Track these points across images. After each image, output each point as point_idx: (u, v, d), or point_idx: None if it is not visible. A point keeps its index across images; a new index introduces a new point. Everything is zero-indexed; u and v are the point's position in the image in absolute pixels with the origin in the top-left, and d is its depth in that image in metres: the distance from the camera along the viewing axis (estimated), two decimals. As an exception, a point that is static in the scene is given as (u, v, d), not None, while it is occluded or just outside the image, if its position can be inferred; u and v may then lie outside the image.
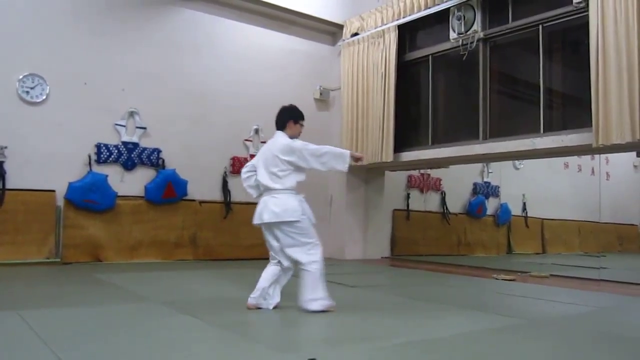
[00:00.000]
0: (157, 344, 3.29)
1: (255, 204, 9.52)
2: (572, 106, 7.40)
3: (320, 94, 9.98)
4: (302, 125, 4.64)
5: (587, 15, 6.37)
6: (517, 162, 12.86)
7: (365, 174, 9.97)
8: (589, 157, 13.76)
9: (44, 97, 7.40)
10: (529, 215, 13.61)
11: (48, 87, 7.42)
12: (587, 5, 6.37)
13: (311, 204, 10.41)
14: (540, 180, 13.41)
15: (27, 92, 7.29)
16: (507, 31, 7.64)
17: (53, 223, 7.35)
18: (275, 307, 4.32)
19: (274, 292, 4.34)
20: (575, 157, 13.08)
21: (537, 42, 7.21)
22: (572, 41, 7.34)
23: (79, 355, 2.92)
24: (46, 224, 7.29)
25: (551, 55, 7.33)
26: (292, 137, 4.49)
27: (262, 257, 8.37)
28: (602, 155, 11.18)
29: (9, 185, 7.08)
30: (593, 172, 15.09)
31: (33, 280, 6.01)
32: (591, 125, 6.27)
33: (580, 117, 6.77)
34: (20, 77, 7.24)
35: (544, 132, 7.08)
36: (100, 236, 7.65)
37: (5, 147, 7.05)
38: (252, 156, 9.08)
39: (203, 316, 4.00)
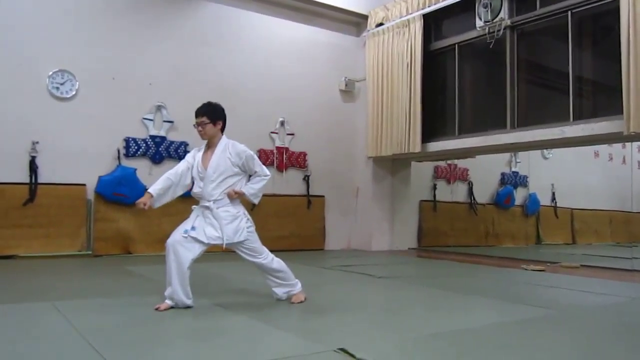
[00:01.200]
0: (188, 333, 3.34)
1: (278, 195, 9.52)
2: (602, 93, 7.26)
3: (346, 85, 9.95)
4: (195, 126, 4.22)
5: (618, 0, 6.23)
6: (545, 151, 12.69)
7: (391, 165, 9.93)
8: (620, 145, 13.50)
9: (74, 93, 7.54)
10: (558, 205, 13.41)
11: (77, 83, 7.55)
12: (618, -11, 6.24)
13: (338, 196, 10.45)
14: (570, 169, 13.20)
15: (57, 88, 7.43)
16: (534, 18, 7.51)
17: (84, 216, 7.50)
18: (285, 297, 4.27)
19: (273, 282, 4.26)
20: (606, 145, 12.85)
21: (566, 28, 7.07)
22: (602, 27, 7.18)
23: (112, 344, 2.98)
24: (78, 218, 7.44)
25: (580, 42, 7.18)
26: None
27: (289, 249, 8.48)
28: (633, 143, 10.94)
29: (41, 180, 7.24)
30: (624, 160, 14.79)
31: (66, 272, 6.15)
32: (622, 113, 6.15)
33: (610, 104, 6.63)
34: (50, 73, 7.38)
35: (573, 120, 6.96)
36: (130, 229, 7.78)
37: (37, 143, 7.20)
38: (278, 148, 9.14)
39: (232, 306, 4.05)
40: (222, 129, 4.27)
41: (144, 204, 4.01)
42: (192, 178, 4.19)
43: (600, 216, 14.31)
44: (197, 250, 3.96)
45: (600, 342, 3.34)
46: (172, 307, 3.89)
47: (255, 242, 4.15)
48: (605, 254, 9.83)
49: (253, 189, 4.18)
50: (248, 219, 4.15)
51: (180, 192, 4.21)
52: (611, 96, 6.63)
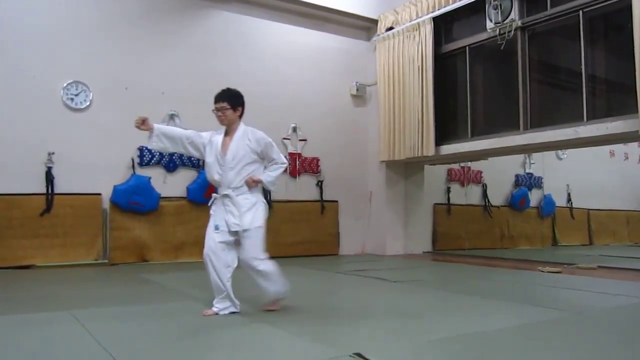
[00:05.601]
0: (204, 340, 3.36)
1: (292, 201, 9.48)
2: (616, 92, 7.20)
3: (357, 89, 9.95)
4: (214, 111, 4.30)
5: (630, -2, 6.20)
6: (560, 152, 12.60)
7: (404, 169, 9.91)
8: (635, 144, 13.37)
9: (88, 104, 7.62)
10: (574, 206, 13.30)
11: (91, 94, 7.63)
12: (629, -13, 6.19)
13: (351, 201, 10.42)
14: (585, 169, 13.09)
15: (72, 99, 7.51)
16: (545, 18, 7.48)
17: (100, 225, 7.56)
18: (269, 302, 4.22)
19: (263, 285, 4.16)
20: (621, 144, 12.73)
21: (578, 28, 7.03)
22: (615, 26, 7.13)
23: (130, 352, 3.01)
24: (93, 227, 7.51)
25: (593, 41, 7.14)
26: None
27: (303, 255, 8.50)
28: (649, 142, 10.84)
29: (57, 190, 7.31)
30: (641, 159, 14.63)
31: (83, 281, 6.20)
32: (636, 112, 6.10)
33: (624, 103, 6.58)
34: (65, 85, 7.47)
35: (587, 120, 6.91)
36: (145, 237, 7.83)
37: (53, 153, 7.28)
38: (291, 154, 9.15)
39: (246, 313, 4.06)
40: (241, 116, 4.32)
41: (142, 121, 4.26)
42: (200, 152, 4.27)
43: (617, 216, 14.18)
44: (232, 255, 4.00)
45: (617, 343, 3.30)
46: (216, 314, 3.95)
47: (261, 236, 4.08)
48: (623, 255, 9.73)
49: (270, 176, 4.22)
50: (265, 207, 4.18)
51: (181, 151, 4.35)
52: (625, 95, 6.58)
